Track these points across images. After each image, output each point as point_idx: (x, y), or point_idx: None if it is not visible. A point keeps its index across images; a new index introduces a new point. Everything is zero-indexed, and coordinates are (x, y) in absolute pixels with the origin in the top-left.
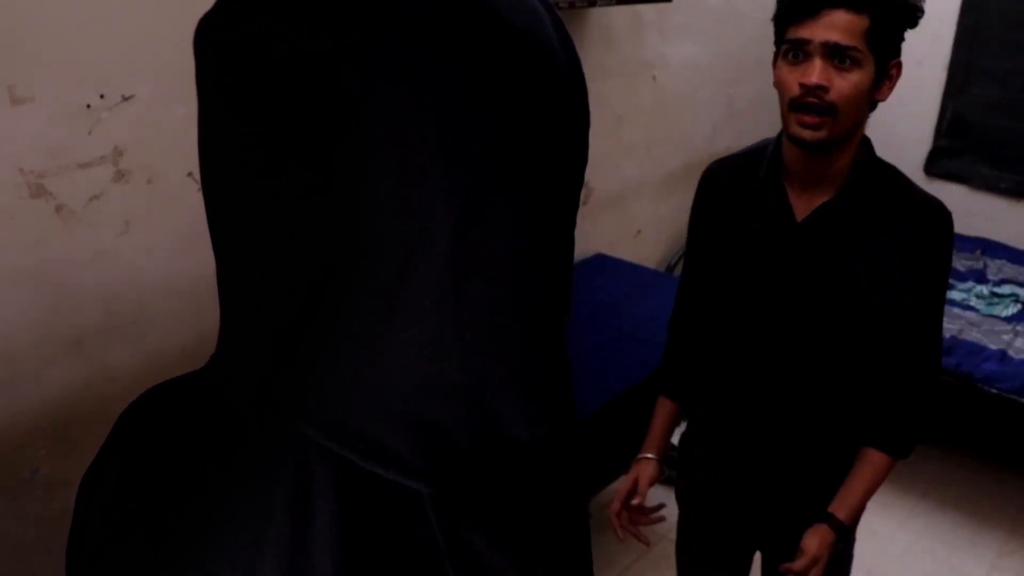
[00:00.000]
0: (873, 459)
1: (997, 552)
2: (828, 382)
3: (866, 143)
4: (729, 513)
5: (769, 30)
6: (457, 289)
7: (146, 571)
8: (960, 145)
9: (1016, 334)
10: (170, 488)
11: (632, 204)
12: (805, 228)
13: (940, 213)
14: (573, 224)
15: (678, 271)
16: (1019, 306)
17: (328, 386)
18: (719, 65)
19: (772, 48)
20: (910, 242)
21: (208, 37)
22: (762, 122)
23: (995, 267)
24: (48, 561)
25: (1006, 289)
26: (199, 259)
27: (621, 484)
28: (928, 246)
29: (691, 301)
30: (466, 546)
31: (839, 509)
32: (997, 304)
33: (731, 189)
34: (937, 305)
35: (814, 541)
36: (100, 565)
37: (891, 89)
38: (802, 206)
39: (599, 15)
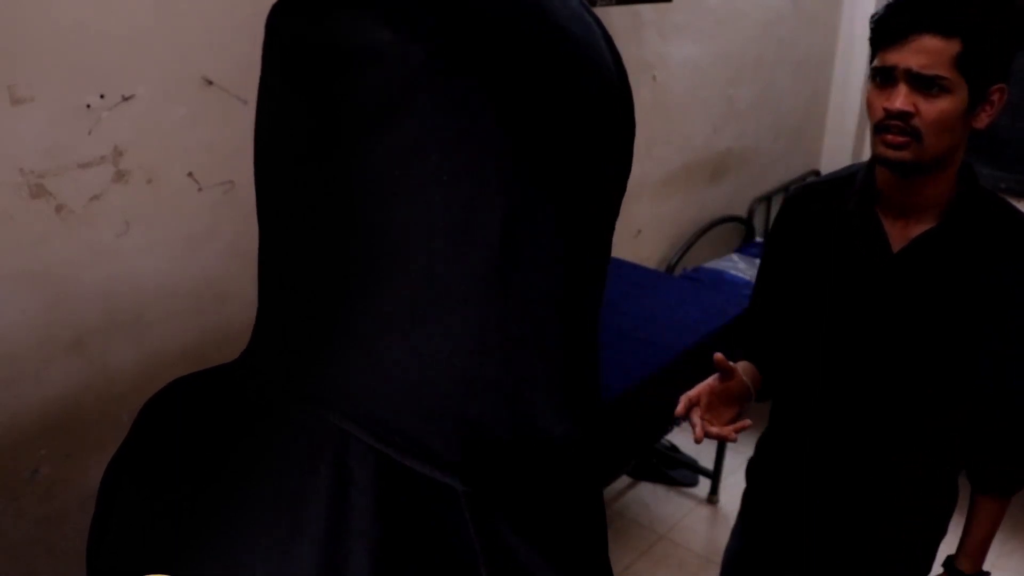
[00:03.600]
0: (984, 505)
1: (997, 552)
2: (914, 419)
3: (968, 172)
4: (792, 540)
5: (769, 30)
6: (504, 282)
7: (175, 558)
8: None
9: None
10: (200, 476)
11: (632, 204)
12: (903, 259)
13: None
14: (613, 228)
15: (678, 271)
16: None
17: (366, 378)
18: (719, 65)
19: (773, 48)
20: (1017, 275)
21: (281, 18)
22: (762, 122)
23: None
24: (48, 561)
25: None
26: (199, 259)
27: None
28: None
29: (763, 328)
30: (499, 542)
31: (957, 558)
32: None
33: (818, 216)
34: None
35: None
36: (124, 554)
37: (991, 116)
38: (897, 236)
39: (599, 15)
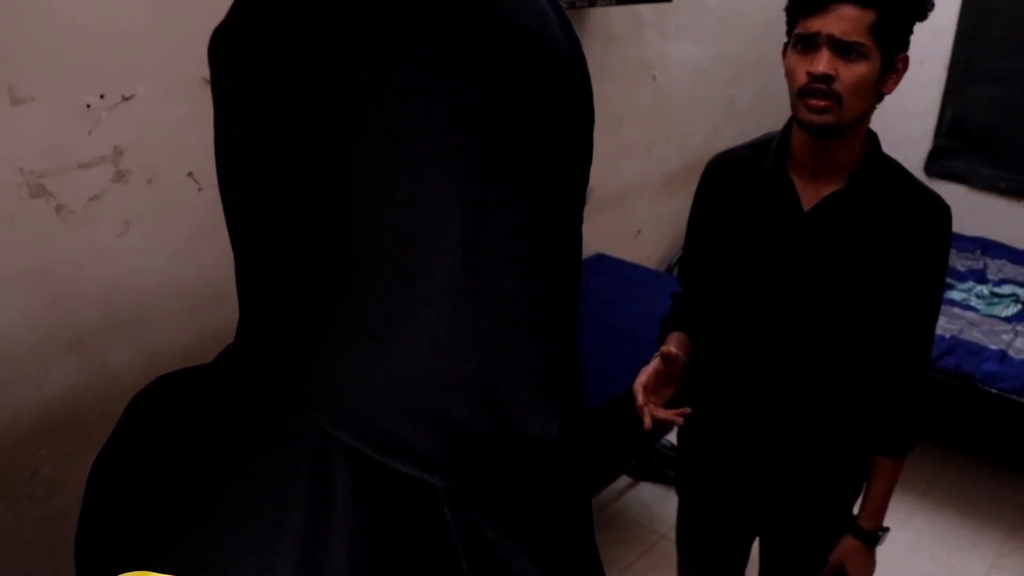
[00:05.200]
0: (879, 464)
1: (997, 552)
2: (827, 370)
3: (872, 137)
4: (729, 501)
5: (769, 30)
6: (473, 282)
7: (159, 555)
8: (960, 145)
9: (1016, 334)
10: (184, 475)
11: (632, 204)
12: (812, 217)
13: (941, 208)
14: (580, 221)
15: (678, 271)
16: (1019, 306)
17: (344, 379)
18: (719, 65)
19: (773, 48)
20: (912, 236)
21: (223, 42)
22: (762, 122)
23: (995, 267)
24: (48, 561)
25: (1006, 289)
26: (199, 259)
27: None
28: (928, 241)
29: (692, 290)
30: (479, 539)
31: (859, 517)
32: (997, 304)
33: (736, 180)
34: (934, 301)
35: (837, 552)
36: (111, 549)
37: (896, 83)
38: (809, 196)
39: (599, 15)
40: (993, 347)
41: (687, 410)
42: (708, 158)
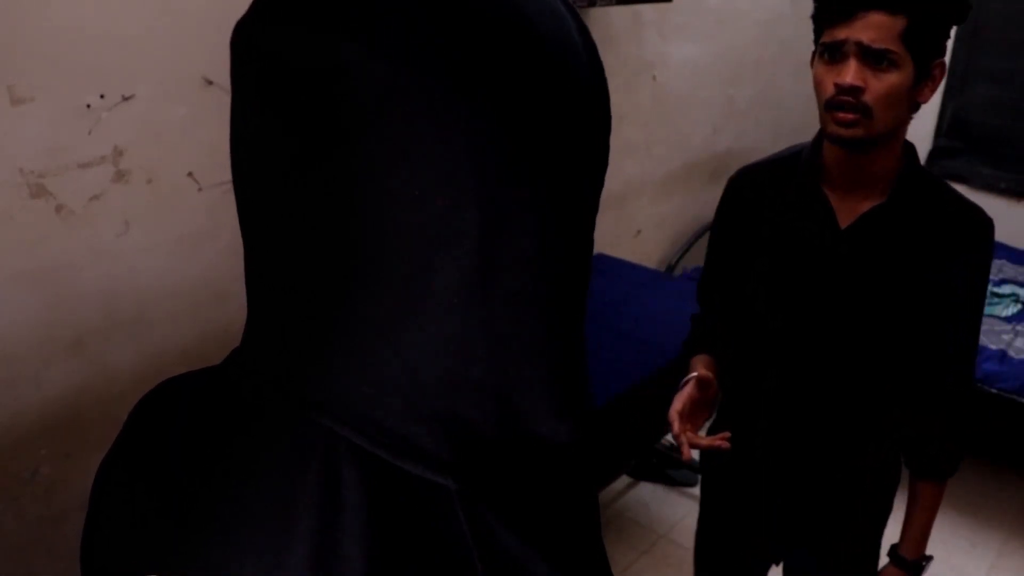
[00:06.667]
0: (922, 490)
1: (997, 552)
2: (861, 389)
3: (910, 149)
4: (752, 522)
5: (769, 30)
6: (485, 285)
7: (164, 557)
8: (960, 145)
9: (1016, 334)
10: (187, 476)
11: (632, 204)
12: (851, 235)
13: (983, 221)
14: (592, 225)
15: (678, 271)
16: (1019, 306)
17: (351, 380)
18: (719, 65)
19: (772, 49)
20: (953, 250)
21: (243, 37)
22: (762, 122)
23: (995, 267)
24: (48, 561)
25: (1006, 289)
26: (199, 259)
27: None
28: (971, 256)
29: (713, 307)
30: (493, 540)
31: (901, 546)
32: (997, 304)
33: (763, 194)
34: (975, 317)
35: None
36: (117, 551)
37: (933, 90)
38: (845, 212)
39: (599, 15)
40: (993, 347)
41: (727, 434)
42: (708, 158)
